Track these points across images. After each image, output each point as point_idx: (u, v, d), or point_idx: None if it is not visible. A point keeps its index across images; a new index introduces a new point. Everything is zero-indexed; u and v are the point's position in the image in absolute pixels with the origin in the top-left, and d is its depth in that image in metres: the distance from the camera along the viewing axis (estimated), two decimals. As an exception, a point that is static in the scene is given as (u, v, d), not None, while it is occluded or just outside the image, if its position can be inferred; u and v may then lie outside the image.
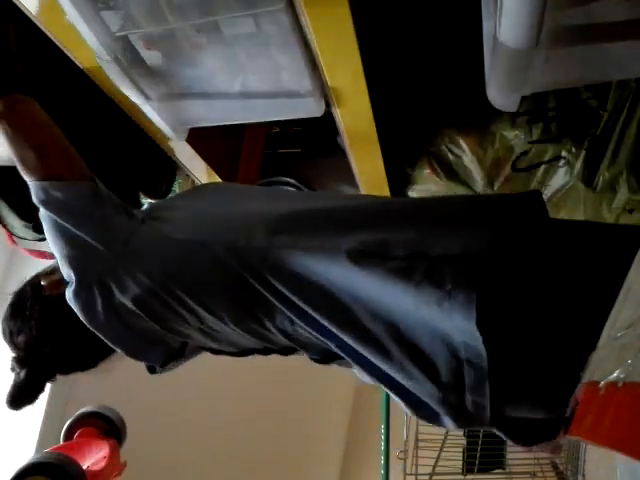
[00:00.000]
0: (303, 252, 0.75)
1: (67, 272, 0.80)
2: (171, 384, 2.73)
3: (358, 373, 0.82)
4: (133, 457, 1.92)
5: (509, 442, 0.79)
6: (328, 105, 1.04)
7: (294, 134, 1.50)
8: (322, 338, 0.76)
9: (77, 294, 0.78)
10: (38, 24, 0.92)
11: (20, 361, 0.88)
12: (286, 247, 0.76)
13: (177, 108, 1.07)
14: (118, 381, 2.42)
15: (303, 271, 0.74)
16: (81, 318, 0.80)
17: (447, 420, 0.76)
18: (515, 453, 2.46)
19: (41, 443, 2.20)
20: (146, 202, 1.40)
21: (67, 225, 0.78)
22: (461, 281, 0.68)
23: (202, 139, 1.25)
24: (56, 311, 0.86)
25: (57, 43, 0.94)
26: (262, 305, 0.77)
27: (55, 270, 0.85)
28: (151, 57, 0.95)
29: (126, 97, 1.01)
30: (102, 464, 1.75)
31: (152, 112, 1.05)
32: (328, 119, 1.10)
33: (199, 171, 1.37)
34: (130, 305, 0.78)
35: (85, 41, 0.88)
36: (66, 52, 0.96)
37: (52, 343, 0.88)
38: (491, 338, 0.68)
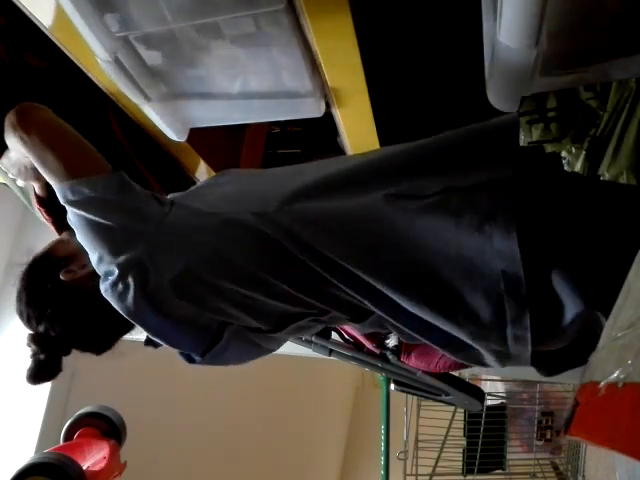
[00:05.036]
0: (337, 208, 0.77)
1: (103, 268, 0.79)
2: (172, 384, 2.74)
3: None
4: (133, 457, 1.92)
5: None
6: (328, 105, 1.04)
7: (294, 134, 1.50)
8: (357, 295, 0.77)
9: (113, 285, 0.78)
10: (40, 25, 0.92)
11: (39, 344, 0.89)
12: (319, 206, 0.77)
13: (177, 108, 1.07)
14: (118, 381, 2.43)
15: (340, 226, 0.76)
16: (118, 309, 0.79)
17: (489, 358, 0.78)
18: (515, 454, 2.45)
19: (41, 443, 2.20)
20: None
21: (97, 219, 0.77)
22: (499, 203, 0.71)
23: (202, 139, 1.25)
24: (78, 302, 0.87)
25: (57, 43, 0.94)
26: (294, 267, 0.77)
27: (72, 262, 0.86)
28: (151, 57, 0.95)
29: (126, 97, 1.01)
30: (102, 464, 1.75)
31: (152, 112, 1.05)
32: (328, 119, 1.10)
33: (199, 171, 1.37)
34: (166, 288, 0.78)
35: (85, 41, 0.89)
36: (67, 52, 0.96)
37: (74, 333, 0.90)
38: (529, 265, 0.69)
